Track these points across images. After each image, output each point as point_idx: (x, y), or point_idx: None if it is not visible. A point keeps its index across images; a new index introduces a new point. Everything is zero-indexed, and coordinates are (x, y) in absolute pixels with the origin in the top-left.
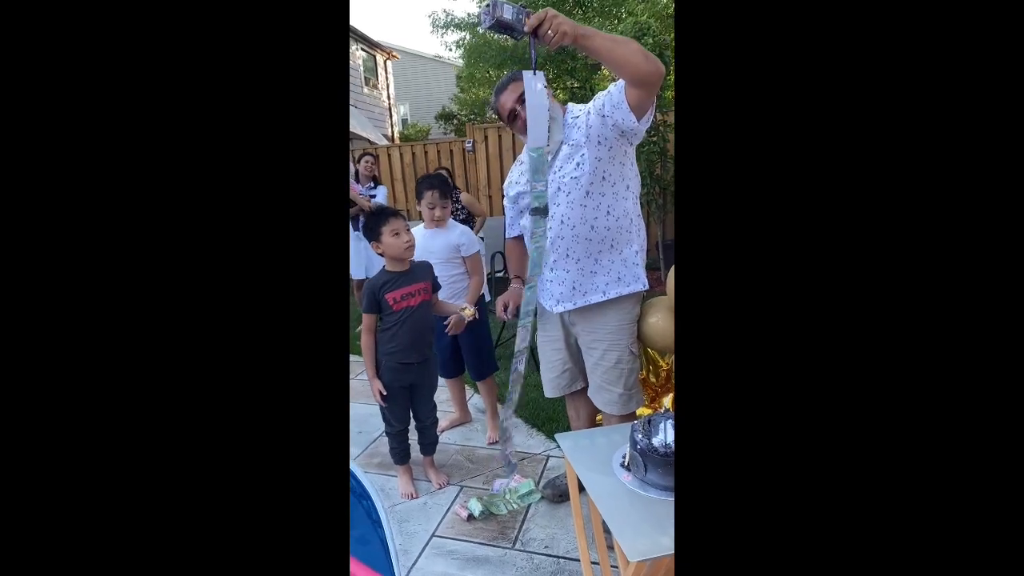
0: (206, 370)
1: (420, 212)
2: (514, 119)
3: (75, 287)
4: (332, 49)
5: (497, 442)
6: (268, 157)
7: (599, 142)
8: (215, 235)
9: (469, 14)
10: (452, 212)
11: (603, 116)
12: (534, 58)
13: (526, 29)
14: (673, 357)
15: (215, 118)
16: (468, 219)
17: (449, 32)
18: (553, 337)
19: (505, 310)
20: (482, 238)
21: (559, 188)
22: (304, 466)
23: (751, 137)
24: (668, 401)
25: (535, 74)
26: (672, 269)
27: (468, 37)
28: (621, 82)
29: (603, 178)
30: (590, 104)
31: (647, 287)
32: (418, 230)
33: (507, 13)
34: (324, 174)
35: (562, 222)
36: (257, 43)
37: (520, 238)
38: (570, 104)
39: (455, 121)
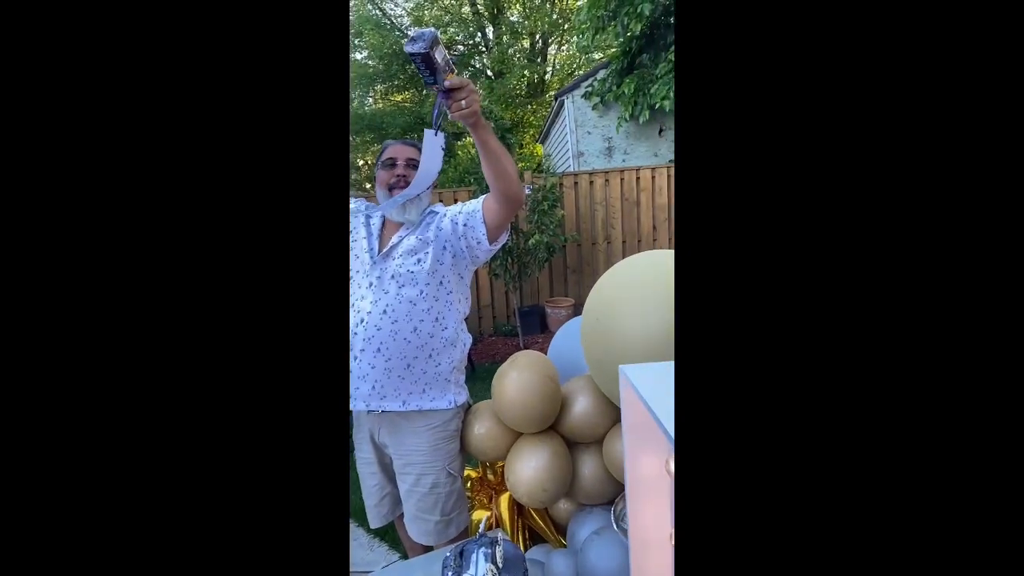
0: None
1: None
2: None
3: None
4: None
5: None
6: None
7: (445, 247)
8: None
9: None
10: None
11: (455, 223)
12: (437, 116)
13: (446, 83)
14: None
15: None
16: None
17: None
18: (367, 459)
19: None
20: None
21: (392, 276)
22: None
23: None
24: (504, 502)
25: (436, 135)
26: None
27: None
28: (478, 200)
29: (440, 283)
30: (449, 208)
31: (457, 405)
32: None
33: (438, 55)
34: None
35: (384, 312)
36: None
37: None
38: (438, 204)
39: None
